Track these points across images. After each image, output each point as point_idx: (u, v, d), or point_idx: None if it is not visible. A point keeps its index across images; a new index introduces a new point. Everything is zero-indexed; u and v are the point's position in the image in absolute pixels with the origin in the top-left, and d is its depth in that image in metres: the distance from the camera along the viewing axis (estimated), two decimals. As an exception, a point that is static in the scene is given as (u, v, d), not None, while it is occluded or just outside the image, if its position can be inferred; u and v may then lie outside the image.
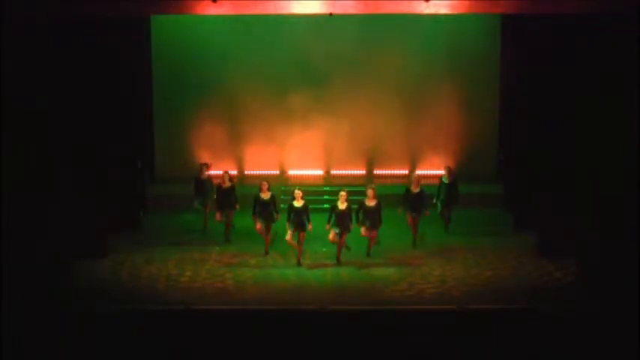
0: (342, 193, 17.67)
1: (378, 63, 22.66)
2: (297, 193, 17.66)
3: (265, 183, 18.19)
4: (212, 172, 20.12)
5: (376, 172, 23.17)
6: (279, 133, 22.94)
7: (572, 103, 19.12)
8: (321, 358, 13.28)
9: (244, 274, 17.35)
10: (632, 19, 16.82)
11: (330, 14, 17.82)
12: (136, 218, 20.11)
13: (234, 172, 21.98)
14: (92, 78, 19.39)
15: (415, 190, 18.77)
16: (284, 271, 17.47)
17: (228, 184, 19.03)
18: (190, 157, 22.57)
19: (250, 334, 13.81)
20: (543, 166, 19.57)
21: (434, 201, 19.57)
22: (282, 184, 22.21)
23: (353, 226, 17.71)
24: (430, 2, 17.06)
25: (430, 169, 22.58)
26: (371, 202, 17.80)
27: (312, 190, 20.95)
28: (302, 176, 22.97)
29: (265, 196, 18.05)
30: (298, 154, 23.04)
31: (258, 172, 22.79)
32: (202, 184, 19.59)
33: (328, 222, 17.64)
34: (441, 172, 20.28)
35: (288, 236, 17.62)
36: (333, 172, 23.24)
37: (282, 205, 19.61)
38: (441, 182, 19.70)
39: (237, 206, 18.95)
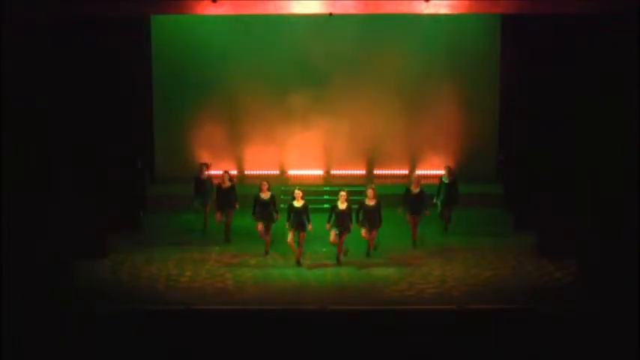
0: (342, 193, 17.67)
1: (378, 63, 22.66)
2: (297, 193, 17.66)
3: (265, 183, 18.18)
4: (212, 172, 20.12)
5: (376, 172, 23.18)
6: (279, 133, 22.94)
7: (572, 103, 19.13)
8: (321, 358, 13.28)
9: (244, 274, 17.35)
10: (632, 19, 16.82)
11: (330, 14, 17.82)
12: (136, 218, 20.11)
13: (234, 172, 21.97)
14: (92, 78, 19.41)
15: (415, 190, 18.77)
16: (284, 271, 17.47)
17: (228, 183, 19.03)
18: (190, 157, 22.56)
19: (250, 334, 13.81)
20: (543, 166, 19.57)
21: (434, 201, 19.56)
22: (282, 184, 22.21)
23: (353, 226, 17.71)
24: (430, 2, 17.07)
25: (430, 169, 22.58)
26: (371, 202, 17.80)
27: (312, 190, 20.94)
28: (302, 176, 22.96)
29: (265, 196, 18.05)
30: (298, 154, 23.04)
31: (258, 172, 22.79)
32: (202, 184, 19.59)
33: (328, 222, 17.63)
34: (441, 172, 20.27)
35: (289, 238, 17.61)
36: (333, 172, 23.24)
37: (282, 205, 19.62)
38: (441, 182, 19.69)
39: (237, 206, 18.94)
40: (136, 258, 18.20)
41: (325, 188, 22.07)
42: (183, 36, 22.39)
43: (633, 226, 16.43)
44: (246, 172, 23.01)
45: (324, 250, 18.41)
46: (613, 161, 17.63)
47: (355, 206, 17.86)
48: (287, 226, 17.66)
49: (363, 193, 18.21)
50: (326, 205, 19.90)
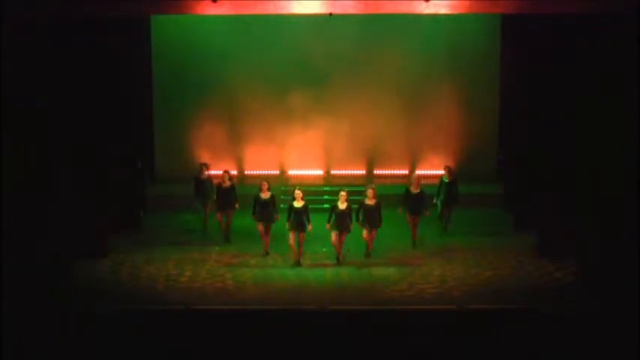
0: (343, 193, 17.67)
1: (378, 63, 22.66)
2: (298, 193, 17.64)
3: (265, 183, 18.17)
4: (212, 172, 20.11)
5: (376, 172, 23.18)
6: (279, 133, 22.94)
7: (572, 103, 19.14)
8: (321, 358, 13.28)
9: (244, 274, 17.34)
10: (632, 19, 16.82)
11: (330, 14, 17.83)
12: (136, 218, 20.10)
13: (234, 172, 21.97)
14: (92, 78, 19.41)
15: (415, 190, 18.77)
16: (284, 271, 17.47)
17: (228, 183, 19.03)
18: (190, 157, 22.57)
19: (250, 334, 13.80)
20: (543, 166, 19.58)
21: (434, 201, 19.56)
22: (282, 184, 22.21)
23: (353, 226, 17.70)
24: (430, 2, 17.06)
25: (430, 169, 22.57)
26: (371, 202, 17.79)
27: (312, 190, 20.93)
28: (302, 176, 22.96)
29: (265, 196, 18.04)
30: (298, 154, 23.04)
31: (258, 172, 22.79)
32: (202, 184, 19.59)
33: (328, 222, 17.63)
34: (441, 172, 20.26)
35: (291, 239, 17.60)
36: (333, 172, 23.24)
37: (282, 205, 19.62)
38: (441, 181, 19.70)
39: (237, 206, 18.93)
40: (136, 258, 18.20)
41: (325, 188, 22.06)
42: (183, 36, 22.38)
43: (633, 226, 16.43)
44: (246, 172, 23.01)
45: (324, 250, 18.41)
46: (613, 161, 17.63)
47: (355, 206, 17.85)
48: (287, 227, 17.65)
49: (363, 193, 18.20)
50: (326, 205, 19.89)
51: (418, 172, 21.37)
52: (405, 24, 22.09)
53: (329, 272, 17.48)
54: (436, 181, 20.06)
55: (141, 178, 20.96)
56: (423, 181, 19.05)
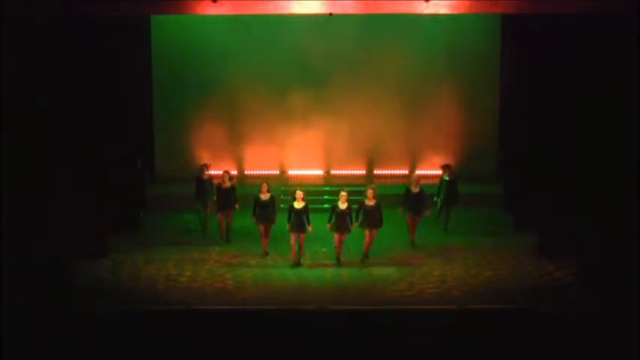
0: (343, 193, 17.65)
1: (378, 63, 22.66)
2: (299, 194, 17.60)
3: (265, 184, 18.13)
4: (212, 172, 20.11)
5: (376, 172, 23.18)
6: (279, 133, 22.94)
7: (572, 103, 19.15)
8: (321, 358, 13.28)
9: (244, 274, 17.34)
10: (632, 19, 16.81)
11: (330, 14, 17.81)
12: (136, 218, 20.11)
13: (234, 172, 21.97)
14: (92, 78, 19.42)
15: (415, 190, 18.77)
16: (284, 271, 17.47)
17: (228, 183, 19.02)
18: (190, 157, 22.58)
19: (250, 334, 13.80)
20: (543, 166, 19.58)
21: (434, 199, 19.56)
22: (282, 184, 22.21)
23: (353, 226, 17.70)
24: (430, 2, 17.06)
25: (430, 169, 22.57)
26: (371, 203, 17.78)
27: (312, 190, 20.92)
28: (302, 176, 22.97)
29: (265, 197, 18.02)
30: (298, 154, 23.04)
31: (258, 172, 22.79)
32: (203, 185, 19.59)
33: (329, 222, 17.63)
34: (441, 171, 20.25)
35: (292, 240, 17.59)
36: (333, 172, 23.24)
37: (282, 206, 19.61)
38: (442, 180, 19.70)
39: (237, 206, 18.93)
40: (136, 258, 18.20)
41: (325, 188, 22.07)
42: (183, 36, 22.39)
43: (633, 226, 16.42)
44: (246, 172, 23.01)
45: (324, 250, 18.41)
46: (613, 161, 17.62)
47: (355, 206, 17.85)
48: (288, 228, 17.65)
49: (363, 193, 18.19)
50: (326, 205, 19.90)
51: (418, 172, 21.36)
52: (405, 24, 22.09)
53: (329, 272, 17.48)
54: (436, 181, 20.08)
55: (141, 178, 20.96)
56: (423, 181, 19.05)
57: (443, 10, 17.59)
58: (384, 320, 14.56)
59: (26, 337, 13.57)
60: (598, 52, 18.12)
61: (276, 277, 17.17)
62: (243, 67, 22.60)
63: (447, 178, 19.64)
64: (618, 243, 16.66)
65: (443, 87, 22.81)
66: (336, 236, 17.66)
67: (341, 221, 17.50)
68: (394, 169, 23.16)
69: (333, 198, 18.76)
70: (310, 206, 17.80)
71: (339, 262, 17.77)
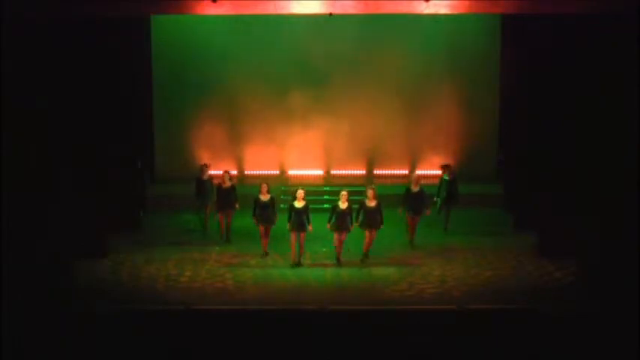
0: (343, 193, 17.65)
1: (378, 63, 22.66)
2: (300, 193, 17.59)
3: (265, 185, 18.11)
4: (212, 172, 20.10)
5: (376, 172, 23.18)
6: (279, 133, 22.94)
7: (572, 103, 19.14)
8: (321, 358, 13.28)
9: (244, 274, 17.34)
10: (632, 19, 16.82)
11: (330, 14, 17.81)
12: (136, 218, 20.11)
13: (234, 172, 21.97)
14: (92, 78, 19.41)
15: (415, 189, 18.76)
16: (284, 271, 17.47)
17: (228, 183, 19.02)
18: (190, 157, 22.58)
19: (250, 334, 13.80)
20: (543, 166, 19.58)
21: (434, 199, 19.57)
22: (282, 184, 22.21)
23: (353, 226, 17.69)
24: (430, 2, 17.06)
25: (430, 169, 22.57)
26: (371, 203, 17.76)
27: (312, 190, 20.91)
28: (302, 176, 22.97)
29: (265, 198, 18.01)
30: (298, 154, 23.04)
31: (258, 172, 22.80)
32: (203, 185, 19.59)
33: (329, 221, 17.63)
34: (441, 171, 20.26)
35: (292, 239, 17.59)
36: (333, 172, 23.24)
37: (282, 206, 19.61)
38: (442, 179, 19.71)
39: (237, 206, 18.93)
40: (136, 258, 18.20)
41: (325, 188, 22.07)
42: (183, 36, 22.39)
43: (633, 226, 16.42)
44: (246, 172, 23.01)
45: (324, 250, 18.41)
46: (613, 161, 17.62)
47: (356, 206, 17.84)
48: (288, 227, 17.65)
49: (363, 193, 18.19)
50: (326, 205, 19.90)
51: (418, 172, 21.35)
52: (405, 24, 22.09)
53: (329, 272, 17.48)
54: (436, 181, 20.09)
55: (141, 178, 20.96)
56: (423, 181, 19.05)
57: (443, 10, 17.59)
58: (384, 320, 14.56)
59: (26, 337, 13.57)
60: (598, 52, 18.12)
61: (276, 277, 17.17)
62: (243, 67, 22.60)
63: (447, 178, 19.66)
64: (618, 243, 16.67)
65: (443, 87, 22.82)
66: (335, 236, 17.67)
67: (341, 221, 17.50)
68: (394, 169, 23.16)
69: (333, 198, 18.76)
70: (310, 206, 17.80)
71: (339, 262, 17.78)
